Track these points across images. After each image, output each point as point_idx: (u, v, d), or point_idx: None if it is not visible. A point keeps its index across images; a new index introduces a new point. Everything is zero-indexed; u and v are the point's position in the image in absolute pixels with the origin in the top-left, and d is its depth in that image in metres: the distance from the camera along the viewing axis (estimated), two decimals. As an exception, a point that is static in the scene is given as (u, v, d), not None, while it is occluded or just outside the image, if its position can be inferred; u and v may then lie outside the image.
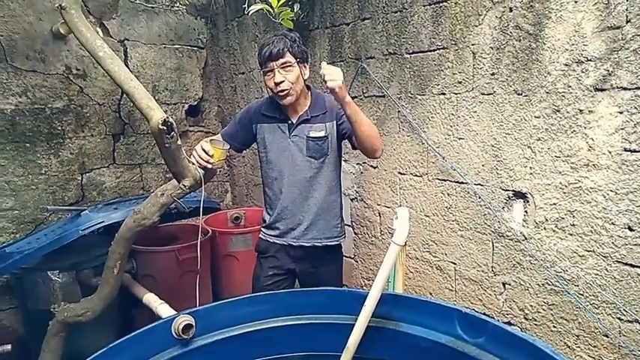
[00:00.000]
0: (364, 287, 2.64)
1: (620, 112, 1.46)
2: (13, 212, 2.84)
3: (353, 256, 2.70)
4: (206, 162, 1.72)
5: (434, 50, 2.01)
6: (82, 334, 2.17)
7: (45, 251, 2.04)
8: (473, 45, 1.85)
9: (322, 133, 1.96)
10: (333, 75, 1.64)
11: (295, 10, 2.52)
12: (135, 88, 1.41)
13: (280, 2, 2.20)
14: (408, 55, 2.13)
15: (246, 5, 2.31)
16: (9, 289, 2.80)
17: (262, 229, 2.16)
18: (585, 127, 1.55)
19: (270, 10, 2.18)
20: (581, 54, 1.52)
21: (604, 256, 1.56)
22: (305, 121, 1.97)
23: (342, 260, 2.19)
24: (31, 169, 2.88)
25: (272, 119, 2.03)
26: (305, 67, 1.94)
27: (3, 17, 2.72)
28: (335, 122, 1.97)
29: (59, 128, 2.98)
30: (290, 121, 2.00)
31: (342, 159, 2.18)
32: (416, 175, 2.21)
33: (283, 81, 1.86)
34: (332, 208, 2.04)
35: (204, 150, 1.72)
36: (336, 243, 2.08)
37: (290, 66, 1.86)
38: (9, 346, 2.02)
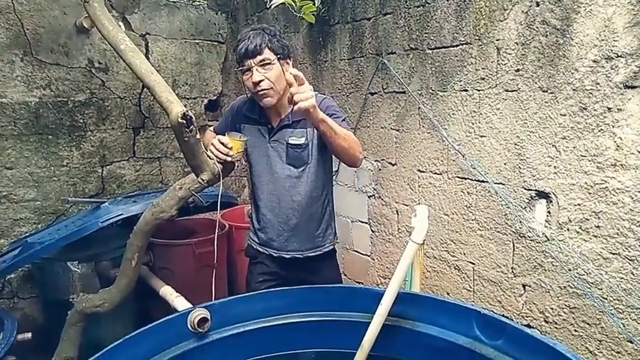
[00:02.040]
0: (380, 285, 2.62)
1: (651, 111, 1.41)
2: (35, 203, 2.89)
3: (369, 254, 2.68)
4: (225, 155, 1.67)
5: (457, 46, 1.97)
6: (99, 324, 2.20)
7: (65, 242, 2.07)
8: (497, 40, 1.81)
9: (302, 140, 1.81)
10: (304, 94, 1.46)
11: (316, 5, 2.51)
12: (155, 82, 1.41)
13: (303, -5, 2.16)
14: (430, 51, 2.10)
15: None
16: (30, 279, 2.86)
17: (250, 234, 2.07)
18: (613, 126, 1.50)
19: (292, 3, 2.15)
20: (611, 50, 1.47)
21: (630, 260, 1.51)
22: (286, 126, 1.83)
23: (336, 267, 2.08)
24: (53, 161, 2.93)
25: (252, 121, 1.90)
26: (287, 63, 1.76)
27: (29, 11, 2.77)
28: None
29: (81, 121, 3.02)
30: (270, 125, 1.86)
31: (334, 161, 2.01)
32: (435, 173, 2.18)
33: (262, 80, 1.69)
34: (313, 219, 1.92)
35: (222, 143, 1.67)
36: (319, 252, 1.95)
37: (269, 63, 1.70)
38: (29, 335, 2.06)
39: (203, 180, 1.58)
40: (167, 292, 2.07)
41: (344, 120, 1.84)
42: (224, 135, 1.74)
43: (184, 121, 1.36)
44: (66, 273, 2.34)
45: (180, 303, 1.95)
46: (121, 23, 3.14)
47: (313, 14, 2.32)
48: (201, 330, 1.47)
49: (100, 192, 3.14)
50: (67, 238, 2.04)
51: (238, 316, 1.57)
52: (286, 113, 1.84)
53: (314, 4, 2.28)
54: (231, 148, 1.68)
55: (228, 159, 1.68)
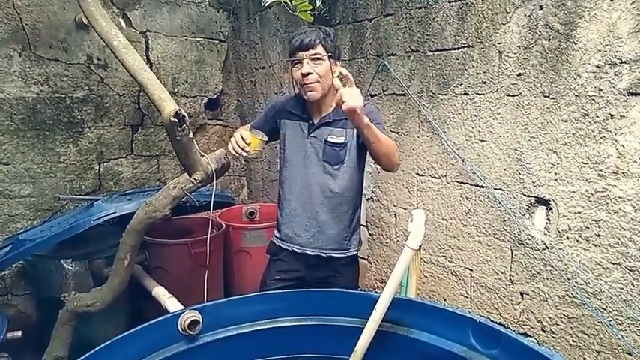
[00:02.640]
0: (377, 289, 2.59)
1: (655, 119, 1.38)
2: (31, 199, 2.87)
3: (367, 257, 2.65)
4: (242, 149, 1.73)
5: (458, 48, 1.95)
6: (91, 323, 2.17)
7: (57, 240, 2.05)
8: (499, 44, 1.78)
9: (342, 140, 1.85)
10: (352, 96, 1.48)
11: (317, 5, 2.48)
12: (148, 79, 1.39)
13: (299, -6, 2.14)
14: (431, 53, 2.07)
15: (263, -2, 2.26)
16: (25, 276, 2.83)
17: (274, 231, 2.09)
18: (616, 133, 1.47)
19: (288, 2, 2.12)
20: (615, 55, 1.44)
21: (630, 270, 1.48)
22: (326, 124, 1.87)
23: (356, 274, 2.06)
24: (50, 157, 2.91)
25: (295, 117, 1.95)
26: (336, 64, 1.83)
27: (28, 6, 2.74)
28: (356, 130, 1.82)
29: (79, 117, 2.99)
30: (311, 121, 1.90)
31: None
32: (434, 177, 2.15)
33: (311, 73, 1.76)
34: (343, 219, 1.92)
35: (242, 137, 1.73)
36: (342, 255, 1.95)
37: (320, 59, 1.76)
38: (19, 332, 2.03)
39: (196, 180, 1.55)
40: (159, 292, 2.05)
41: (384, 127, 1.88)
42: (259, 130, 1.86)
43: (177, 120, 1.33)
44: (59, 271, 2.31)
45: (171, 304, 1.92)
46: (121, 20, 3.12)
47: (312, 14, 2.29)
48: (191, 332, 1.45)
49: (96, 189, 3.11)
50: (58, 235, 2.01)
51: (231, 318, 1.55)
52: (328, 112, 1.88)
53: (310, 3, 2.25)
54: (249, 144, 1.73)
55: (244, 154, 1.75)
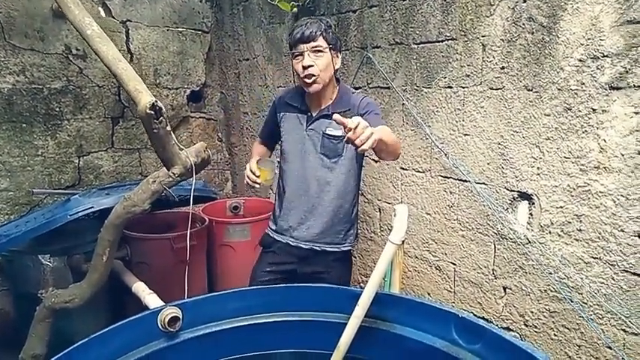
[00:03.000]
0: (361, 284, 2.58)
1: (636, 113, 1.38)
2: (7, 193, 2.79)
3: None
4: (253, 182, 1.85)
5: (442, 41, 1.93)
6: (71, 319, 2.13)
7: (32, 235, 2.00)
8: (483, 37, 1.77)
9: (340, 132, 1.80)
10: (364, 135, 1.40)
11: (301, -5, 2.45)
12: (123, 70, 1.34)
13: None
14: (415, 46, 2.05)
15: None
16: (1, 271, 2.77)
17: (269, 222, 2.09)
18: (598, 128, 1.47)
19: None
20: (597, 49, 1.43)
21: (611, 265, 1.49)
22: (325, 116, 1.85)
23: (348, 271, 2.05)
24: (27, 150, 2.83)
25: (294, 109, 1.94)
26: (337, 56, 1.83)
27: (2, -7, 2.66)
28: None
29: (57, 109, 2.91)
30: (310, 113, 1.90)
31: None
32: (418, 171, 2.14)
33: (312, 65, 1.75)
34: (339, 213, 1.91)
35: (251, 171, 1.85)
36: (336, 249, 1.94)
37: (321, 51, 1.76)
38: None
39: (174, 174, 1.52)
40: (139, 288, 2.01)
41: (381, 117, 1.89)
42: (266, 142, 2.05)
43: (153, 112, 1.29)
44: (37, 266, 2.26)
45: (151, 300, 1.89)
46: (100, 9, 3.04)
47: (296, 4, 2.25)
48: (171, 329, 1.43)
49: (76, 183, 3.05)
50: (34, 230, 1.96)
51: (212, 314, 1.53)
52: (327, 104, 1.87)
53: (298, -6, 2.21)
54: (258, 177, 1.83)
55: (256, 186, 1.87)
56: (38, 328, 1.99)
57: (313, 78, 1.77)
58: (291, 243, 1.96)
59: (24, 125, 2.80)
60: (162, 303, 1.83)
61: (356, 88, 2.41)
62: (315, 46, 1.75)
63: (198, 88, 3.61)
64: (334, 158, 1.86)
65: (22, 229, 1.98)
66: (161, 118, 1.32)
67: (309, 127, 1.89)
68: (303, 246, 1.93)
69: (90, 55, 2.99)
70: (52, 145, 2.92)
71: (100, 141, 3.13)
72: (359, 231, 2.56)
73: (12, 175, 2.79)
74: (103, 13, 3.05)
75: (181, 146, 1.55)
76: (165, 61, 3.37)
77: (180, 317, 1.45)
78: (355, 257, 2.63)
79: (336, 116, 1.44)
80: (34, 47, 2.79)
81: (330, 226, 1.91)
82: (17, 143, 2.79)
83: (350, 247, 2.00)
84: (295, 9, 2.42)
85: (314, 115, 1.89)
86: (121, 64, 1.36)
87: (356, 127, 1.40)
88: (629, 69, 1.37)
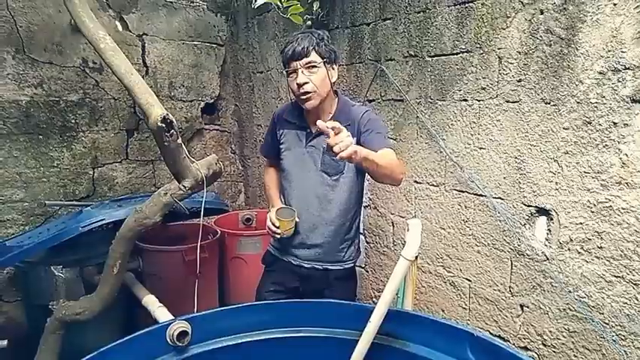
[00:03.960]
0: (374, 298, 2.54)
1: (660, 127, 1.33)
2: (23, 204, 2.82)
3: (364, 266, 2.60)
4: (274, 232, 1.84)
5: (457, 54, 1.90)
6: (84, 332, 2.13)
7: (44, 247, 2.01)
8: (499, 49, 1.74)
9: None
10: (342, 144, 1.34)
11: (315, 9, 2.45)
12: (135, 83, 1.35)
13: (291, -3, 2.08)
14: (430, 58, 2.03)
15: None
16: (15, 281, 2.79)
17: (270, 239, 2.03)
18: (619, 142, 1.42)
19: (279, 3, 2.07)
20: (619, 62, 1.39)
21: (634, 284, 1.43)
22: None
23: (353, 287, 2.01)
24: (43, 162, 2.87)
25: (292, 125, 1.89)
26: (333, 68, 1.77)
27: (22, 8, 2.72)
28: (356, 139, 1.71)
29: (73, 121, 2.96)
30: (309, 130, 1.84)
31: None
32: (432, 185, 2.10)
33: (307, 82, 1.69)
34: (340, 232, 1.87)
35: (272, 222, 1.83)
36: (339, 267, 1.90)
37: (315, 67, 1.70)
38: (5, 342, 1.99)
39: (185, 187, 1.51)
40: (149, 301, 2.00)
41: (384, 136, 1.79)
42: (276, 163, 2.01)
43: (164, 125, 1.29)
44: (49, 278, 2.27)
45: (161, 314, 1.88)
46: (117, 23, 3.09)
47: (310, 18, 2.25)
48: (180, 344, 1.42)
49: (90, 194, 3.07)
50: (46, 242, 1.97)
51: (221, 329, 1.52)
52: (327, 119, 1.79)
53: (311, 8, 2.21)
54: (278, 227, 1.83)
55: (277, 236, 1.86)
56: (49, 340, 1.99)
57: (309, 95, 1.71)
58: (293, 262, 1.92)
59: (40, 137, 2.85)
60: (171, 317, 1.82)
61: (370, 101, 2.39)
62: (308, 62, 1.69)
63: (212, 101, 3.64)
64: (335, 175, 1.80)
65: (35, 241, 1.99)
66: (172, 131, 1.32)
67: (309, 144, 1.84)
68: (305, 265, 1.89)
69: (106, 69, 3.03)
70: (68, 157, 2.96)
71: (115, 153, 3.16)
72: (371, 245, 2.53)
73: (28, 186, 2.83)
74: (120, 27, 3.10)
75: (192, 159, 1.55)
76: (180, 74, 3.40)
77: (189, 332, 1.44)
78: (367, 272, 2.59)
79: (319, 122, 1.38)
80: (52, 60, 2.84)
81: (331, 244, 1.87)
82: (34, 155, 2.83)
83: (352, 264, 1.95)
84: (309, 22, 2.42)
85: (313, 131, 1.83)
86: (133, 77, 1.36)
87: (338, 133, 1.33)
88: (652, 82, 1.33)
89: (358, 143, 1.73)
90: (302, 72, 1.69)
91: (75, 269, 2.34)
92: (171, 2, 3.26)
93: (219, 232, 2.96)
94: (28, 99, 2.78)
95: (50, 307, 1.99)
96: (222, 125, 3.76)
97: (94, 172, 3.08)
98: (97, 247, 2.36)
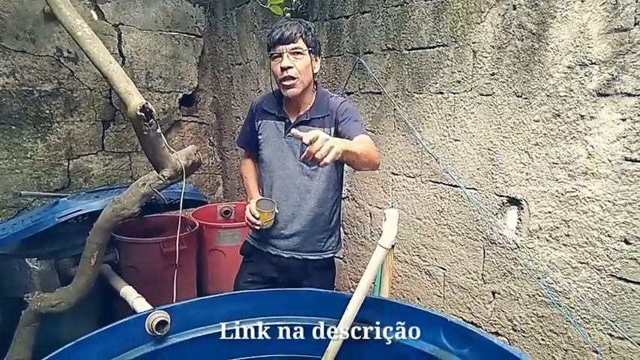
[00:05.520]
0: (352, 288, 2.58)
1: (623, 120, 1.39)
2: (-5, 196, 2.77)
3: (342, 257, 2.64)
4: (253, 224, 1.84)
5: (433, 47, 1.94)
6: (59, 324, 2.10)
7: (19, 238, 1.97)
8: (474, 43, 1.78)
9: None
10: (323, 149, 1.32)
11: (294, 1, 2.45)
12: (114, 71, 1.34)
13: (271, -13, 2.09)
14: (407, 52, 2.06)
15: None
16: (-13, 275, 2.73)
17: (249, 230, 2.04)
18: (585, 134, 1.48)
19: (259, -6, 2.08)
20: (586, 56, 1.45)
21: (598, 269, 1.50)
22: (303, 122, 1.81)
23: (331, 277, 2.03)
24: (16, 153, 2.81)
25: (271, 116, 1.90)
26: (316, 60, 1.80)
27: (-7, -5, 2.65)
28: (334, 129, 1.78)
29: (47, 112, 2.90)
30: (288, 120, 1.85)
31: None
32: (409, 176, 2.15)
33: (291, 67, 1.70)
34: (319, 221, 1.88)
35: (251, 213, 1.83)
36: (318, 257, 1.92)
37: (300, 53, 1.72)
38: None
39: (164, 176, 1.51)
40: (127, 292, 2.00)
41: (361, 124, 1.81)
42: (253, 155, 2.01)
43: (143, 114, 1.29)
44: (23, 270, 2.24)
45: (139, 304, 1.87)
46: (92, 12, 3.03)
47: (289, 10, 2.26)
48: (159, 333, 1.43)
49: (65, 186, 3.02)
50: (20, 233, 1.94)
51: (200, 319, 1.53)
52: (306, 110, 1.83)
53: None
54: (258, 219, 1.83)
55: (257, 227, 1.85)
56: (23, 333, 1.96)
57: (292, 81, 1.72)
58: (271, 252, 1.93)
59: (13, 127, 2.79)
60: (149, 307, 1.82)
61: (348, 94, 2.42)
62: (295, 48, 1.71)
63: (190, 92, 3.61)
64: (314, 166, 1.81)
65: (9, 232, 1.95)
66: (151, 120, 1.32)
67: (288, 135, 1.84)
68: (284, 255, 1.91)
69: (81, 58, 2.98)
70: (42, 148, 2.90)
71: (91, 144, 3.12)
72: (349, 235, 2.56)
73: (0, 177, 2.77)
74: (95, 16, 3.04)
75: (172, 149, 1.54)
76: (158, 65, 3.37)
77: (168, 321, 1.44)
78: (345, 262, 2.63)
79: (294, 131, 1.39)
80: (25, 49, 2.78)
81: (310, 234, 1.89)
82: (6, 145, 2.77)
83: (332, 255, 1.97)
84: (288, 14, 2.42)
85: (292, 121, 1.84)
86: (111, 66, 1.35)
87: (314, 141, 1.31)
88: (616, 76, 1.39)
89: (336, 132, 1.78)
90: (287, 56, 1.71)
91: (50, 261, 2.31)
92: (148, -8, 3.22)
93: (198, 224, 2.96)
94: (0, 88, 2.71)
95: (25, 299, 1.95)
96: (200, 117, 3.74)
97: (69, 164, 3.03)
98: (72, 239, 2.33)
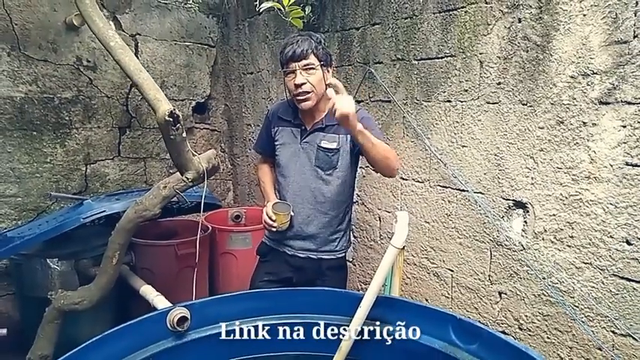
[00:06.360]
0: (361, 291, 2.63)
1: (624, 126, 1.47)
2: (16, 199, 2.85)
3: (351, 260, 2.71)
4: (270, 226, 1.90)
5: (442, 57, 2.03)
6: (78, 323, 2.17)
7: (46, 237, 2.05)
8: (480, 54, 1.87)
9: (334, 145, 1.87)
10: (344, 103, 1.52)
11: (306, 13, 2.54)
12: (144, 80, 1.43)
13: (291, 1, 2.18)
14: (416, 62, 2.15)
15: (257, 2, 2.31)
16: (7, 276, 2.81)
17: (265, 233, 2.11)
18: (588, 140, 1.56)
19: (281, 8, 2.17)
20: (588, 67, 1.53)
21: (601, 269, 1.57)
22: (319, 129, 1.89)
23: (344, 277, 2.10)
24: (36, 157, 2.91)
25: (287, 123, 1.98)
26: (328, 71, 1.85)
27: (18, 6, 2.75)
28: (349, 135, 1.83)
29: (66, 118, 3.00)
30: (304, 127, 1.93)
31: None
32: (418, 181, 2.22)
33: (305, 83, 1.77)
34: (333, 223, 1.96)
35: (268, 216, 1.89)
36: (332, 257, 1.99)
37: (313, 68, 1.78)
38: (4, 331, 2.03)
39: (188, 179, 1.59)
40: (147, 290, 2.07)
41: (380, 133, 1.90)
42: (270, 159, 2.09)
43: (171, 119, 1.37)
44: (45, 270, 2.31)
45: (160, 301, 1.94)
46: (111, 22, 3.13)
47: (303, 21, 2.35)
48: (180, 329, 1.48)
49: (83, 190, 3.11)
50: (47, 233, 2.02)
51: (219, 316, 1.57)
52: (321, 117, 1.90)
53: (303, 10, 2.31)
54: (274, 221, 1.89)
55: (273, 229, 1.92)
56: (47, 329, 2.03)
57: (306, 95, 1.79)
58: (287, 252, 1.99)
59: (34, 133, 2.88)
60: (169, 304, 1.88)
61: (358, 102, 2.50)
62: (307, 64, 1.77)
63: (203, 100, 3.71)
64: (329, 170, 1.89)
65: (36, 232, 2.04)
66: (178, 125, 1.40)
67: (304, 141, 1.92)
68: (300, 255, 1.97)
69: (99, 67, 3.09)
70: (61, 153, 3.00)
71: (107, 150, 3.21)
72: (359, 239, 2.63)
73: (21, 181, 2.86)
74: (113, 27, 3.14)
75: (194, 152, 1.63)
76: (172, 74, 3.47)
77: (189, 317, 1.50)
78: (355, 265, 2.69)
79: (332, 86, 1.53)
80: (46, 58, 2.88)
81: (325, 235, 1.96)
82: (27, 150, 2.87)
83: (344, 253, 2.04)
84: (302, 24, 2.51)
85: (308, 128, 1.92)
86: (142, 74, 1.44)
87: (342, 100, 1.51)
88: (617, 85, 1.47)
89: (352, 140, 1.84)
90: (300, 73, 1.77)
91: (70, 262, 2.38)
92: (164, 3, 3.32)
93: (210, 227, 3.03)
94: (23, 95, 2.82)
95: (49, 296, 2.03)
96: (212, 124, 3.83)
97: (86, 169, 3.12)
98: (91, 240, 2.41)
